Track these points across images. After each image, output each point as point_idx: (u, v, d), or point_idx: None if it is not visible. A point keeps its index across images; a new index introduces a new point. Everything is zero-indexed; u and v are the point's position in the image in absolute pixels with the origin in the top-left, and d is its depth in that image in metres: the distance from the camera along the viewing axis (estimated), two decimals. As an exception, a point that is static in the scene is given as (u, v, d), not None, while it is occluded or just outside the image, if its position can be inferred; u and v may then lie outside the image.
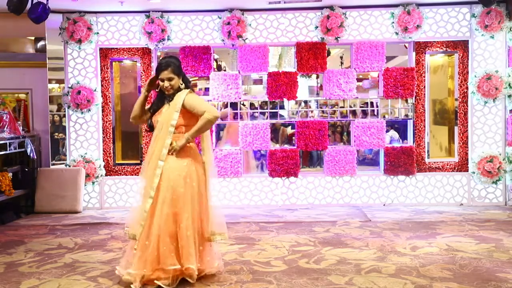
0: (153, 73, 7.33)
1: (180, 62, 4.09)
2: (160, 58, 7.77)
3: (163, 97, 4.07)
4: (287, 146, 7.83)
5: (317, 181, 7.39)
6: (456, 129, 7.37)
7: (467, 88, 7.29)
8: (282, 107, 7.43)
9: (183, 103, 3.94)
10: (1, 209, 6.65)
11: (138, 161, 7.54)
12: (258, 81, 10.58)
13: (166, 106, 4.03)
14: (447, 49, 7.33)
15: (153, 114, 4.11)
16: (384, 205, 7.31)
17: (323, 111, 7.76)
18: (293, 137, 7.75)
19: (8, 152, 6.71)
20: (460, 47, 7.30)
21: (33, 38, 7.90)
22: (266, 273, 4.28)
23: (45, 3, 6.05)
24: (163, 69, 3.96)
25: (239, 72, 7.36)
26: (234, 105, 7.40)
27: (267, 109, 7.37)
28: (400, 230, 5.78)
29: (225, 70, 9.57)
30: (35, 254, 5.01)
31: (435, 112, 7.64)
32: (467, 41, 7.26)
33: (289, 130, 9.36)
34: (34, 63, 7.62)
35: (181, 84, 4.01)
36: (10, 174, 6.85)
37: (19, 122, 7.27)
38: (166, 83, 3.96)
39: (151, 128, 4.14)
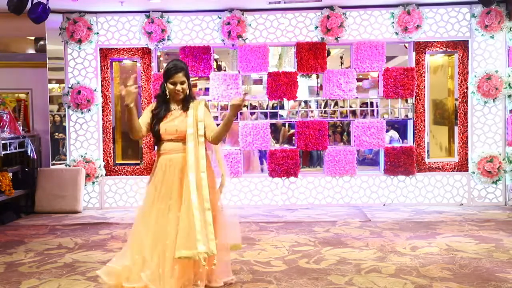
0: (153, 73, 7.34)
1: (188, 68, 3.89)
2: (161, 58, 7.79)
3: (167, 103, 3.84)
4: (287, 146, 7.83)
5: (317, 181, 7.39)
6: (456, 129, 7.37)
7: (467, 88, 7.29)
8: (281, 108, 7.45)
9: (201, 118, 3.79)
10: (1, 209, 6.65)
11: (138, 161, 7.54)
12: (258, 81, 10.58)
13: (177, 113, 3.80)
14: (447, 49, 7.33)
15: (158, 121, 3.80)
16: (384, 205, 7.31)
17: (322, 112, 7.74)
18: (293, 137, 7.75)
19: (8, 152, 6.70)
20: (460, 47, 7.30)
21: (33, 38, 7.91)
22: (266, 273, 4.28)
23: (45, 3, 6.05)
24: (177, 72, 3.75)
25: (239, 72, 7.36)
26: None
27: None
28: (400, 230, 5.78)
29: (225, 70, 9.58)
30: (35, 254, 5.01)
31: (435, 112, 7.64)
32: (467, 41, 7.26)
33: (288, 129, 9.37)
34: (34, 63, 7.63)
35: (188, 90, 3.84)
36: (10, 174, 6.86)
37: (19, 122, 7.27)
38: (179, 87, 3.76)
39: (158, 137, 3.80)
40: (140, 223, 3.78)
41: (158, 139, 3.83)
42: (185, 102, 3.84)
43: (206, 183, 3.68)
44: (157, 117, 3.81)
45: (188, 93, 3.84)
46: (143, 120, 3.89)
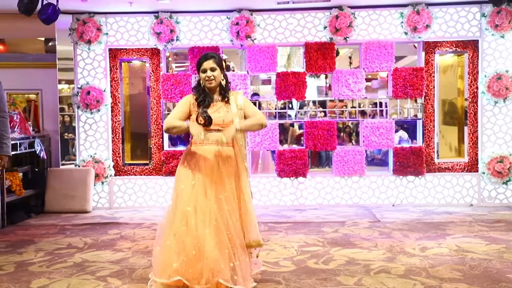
0: (162, 73, 7.36)
1: (222, 58, 3.89)
2: (169, 58, 7.79)
3: (207, 93, 3.83)
4: (295, 147, 7.82)
5: (325, 181, 7.37)
6: (466, 129, 7.33)
7: (477, 88, 7.24)
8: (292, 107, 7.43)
9: (241, 105, 3.83)
10: (12, 209, 6.69)
11: (147, 162, 7.56)
12: (266, 81, 10.59)
13: (220, 104, 3.81)
14: (457, 49, 7.29)
15: (204, 108, 3.77)
16: (393, 205, 7.28)
17: (326, 111, 7.73)
18: (302, 137, 7.74)
19: (18, 152, 6.75)
20: (470, 46, 7.25)
21: (43, 39, 7.94)
22: (275, 273, 4.28)
23: (55, 4, 6.09)
24: (207, 58, 3.79)
25: (247, 73, 7.36)
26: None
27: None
28: (409, 230, 5.76)
29: (233, 71, 9.58)
30: (45, 253, 5.04)
31: (444, 112, 7.60)
32: (477, 40, 7.22)
33: (297, 130, 9.36)
34: (44, 63, 7.65)
35: (223, 80, 3.84)
36: (21, 174, 6.91)
37: (29, 122, 7.32)
38: (209, 73, 3.76)
39: (210, 122, 3.73)
40: (183, 212, 3.66)
41: (203, 127, 3.77)
42: (224, 92, 3.86)
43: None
44: (204, 105, 3.79)
45: (223, 83, 3.85)
46: (181, 111, 3.84)
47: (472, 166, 7.30)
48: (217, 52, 7.21)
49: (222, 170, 3.74)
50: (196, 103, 3.82)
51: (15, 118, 6.77)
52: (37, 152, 7.09)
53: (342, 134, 9.46)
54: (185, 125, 3.75)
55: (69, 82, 7.52)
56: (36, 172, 7.33)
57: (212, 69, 3.78)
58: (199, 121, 3.75)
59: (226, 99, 3.84)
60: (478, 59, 7.23)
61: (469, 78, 7.27)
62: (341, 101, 7.60)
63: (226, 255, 3.55)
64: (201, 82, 3.85)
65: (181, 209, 3.65)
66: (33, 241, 5.56)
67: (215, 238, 3.55)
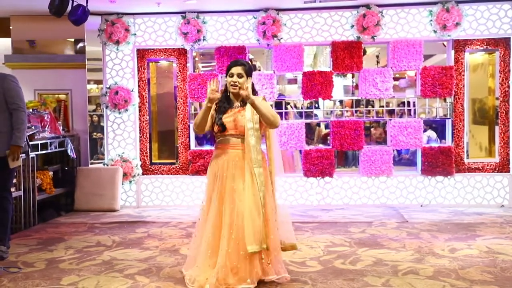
0: (189, 73, 7.40)
1: (251, 67, 3.96)
2: (196, 58, 7.83)
3: (229, 98, 3.94)
4: (322, 146, 7.77)
5: (352, 181, 7.31)
6: (497, 128, 7.18)
7: (508, 86, 7.09)
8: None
9: None
10: (42, 207, 6.82)
11: (174, 161, 7.62)
12: (292, 81, 10.56)
13: (237, 109, 3.87)
14: (488, 47, 7.15)
15: (220, 114, 3.89)
16: (421, 206, 7.18)
17: (354, 111, 7.65)
18: (328, 137, 7.69)
19: (49, 151, 6.88)
20: (501, 44, 7.10)
21: (73, 40, 8.07)
22: (302, 273, 4.26)
23: (85, 5, 6.18)
24: (236, 65, 3.88)
25: (274, 72, 7.35)
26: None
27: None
28: (438, 231, 5.67)
29: (259, 70, 9.58)
30: (75, 251, 5.12)
31: (474, 112, 7.46)
32: (509, 38, 7.06)
33: (323, 129, 9.31)
34: (73, 64, 7.76)
35: (251, 90, 3.84)
36: (51, 173, 7.03)
37: (60, 122, 7.44)
38: (235, 78, 3.83)
39: (223, 128, 3.87)
40: (204, 220, 3.95)
41: (219, 133, 3.92)
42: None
43: (264, 179, 3.87)
44: (220, 111, 3.91)
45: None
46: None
47: (503, 166, 7.14)
48: (243, 52, 7.28)
49: (234, 172, 3.86)
50: (217, 107, 3.94)
51: (45, 118, 6.90)
52: (67, 151, 7.21)
53: (369, 133, 9.36)
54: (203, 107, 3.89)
55: (98, 82, 7.63)
56: (66, 171, 7.46)
57: (239, 76, 3.85)
58: (214, 128, 3.90)
59: (244, 104, 3.87)
60: (509, 57, 7.07)
61: (500, 76, 7.12)
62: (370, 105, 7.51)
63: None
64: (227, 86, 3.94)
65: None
66: (63, 239, 5.66)
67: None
